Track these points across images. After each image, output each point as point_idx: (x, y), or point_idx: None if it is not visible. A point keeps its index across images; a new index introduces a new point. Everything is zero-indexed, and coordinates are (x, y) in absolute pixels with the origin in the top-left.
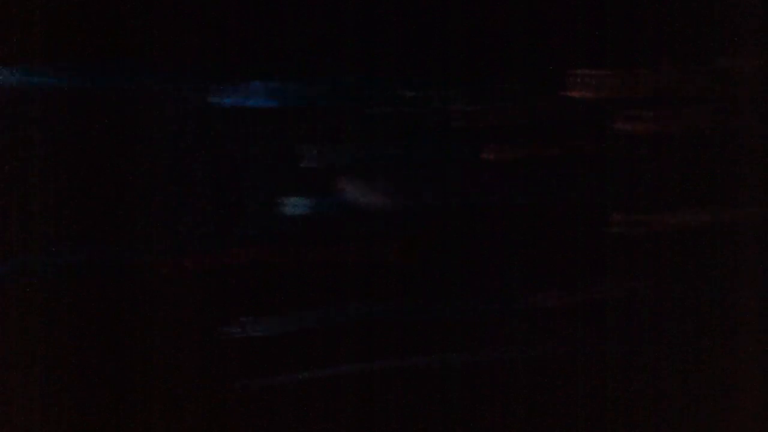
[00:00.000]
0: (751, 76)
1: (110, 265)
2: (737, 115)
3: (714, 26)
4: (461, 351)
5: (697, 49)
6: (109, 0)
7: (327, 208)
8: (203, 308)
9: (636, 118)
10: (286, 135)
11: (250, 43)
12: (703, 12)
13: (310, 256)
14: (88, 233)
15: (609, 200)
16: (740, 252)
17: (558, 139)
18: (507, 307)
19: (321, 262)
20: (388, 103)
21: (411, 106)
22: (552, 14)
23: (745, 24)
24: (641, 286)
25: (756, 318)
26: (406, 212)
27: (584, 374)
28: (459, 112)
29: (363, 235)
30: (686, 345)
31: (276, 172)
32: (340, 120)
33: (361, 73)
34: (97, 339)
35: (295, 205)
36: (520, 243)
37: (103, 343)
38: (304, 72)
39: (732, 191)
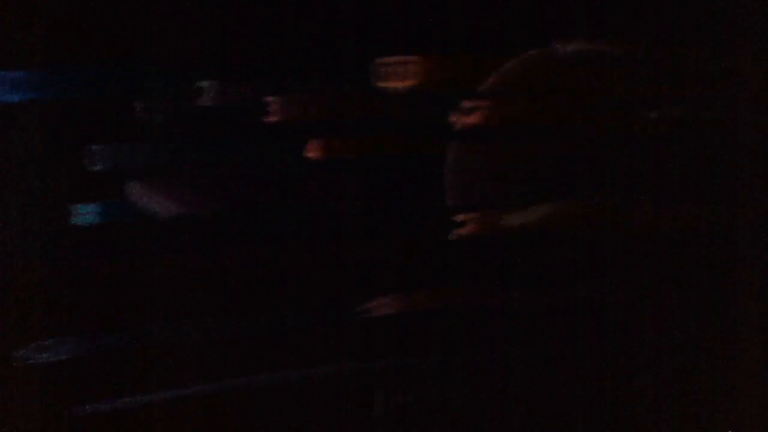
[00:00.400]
0: (588, 63)
1: None
2: (578, 106)
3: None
4: (283, 368)
5: (533, 34)
6: None
7: (117, 217)
8: None
9: (473, 109)
10: (57, 133)
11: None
12: None
13: (101, 270)
14: None
15: (449, 200)
16: (585, 250)
17: (385, 134)
18: (338, 318)
19: (115, 277)
20: (183, 96)
21: (211, 98)
22: None
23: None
24: (486, 290)
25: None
26: (214, 219)
27: (428, 381)
28: (268, 105)
29: (160, 247)
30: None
31: (53, 176)
32: (127, 115)
33: (148, 59)
34: None
35: (78, 214)
36: (354, 250)
37: None
38: (67, 57)
39: (582, 185)
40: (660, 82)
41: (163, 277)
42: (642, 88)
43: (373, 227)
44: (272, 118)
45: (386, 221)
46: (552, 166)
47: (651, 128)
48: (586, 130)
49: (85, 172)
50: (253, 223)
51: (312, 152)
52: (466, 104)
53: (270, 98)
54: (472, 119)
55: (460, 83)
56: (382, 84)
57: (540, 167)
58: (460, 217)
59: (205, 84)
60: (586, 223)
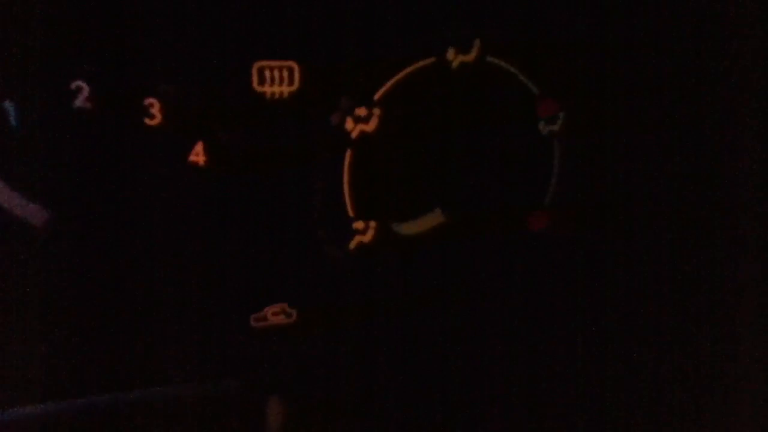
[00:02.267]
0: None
1: None
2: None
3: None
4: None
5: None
6: None
7: None
8: None
9: (368, 117)
10: None
11: None
12: None
13: None
14: None
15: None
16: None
17: (277, 143)
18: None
19: None
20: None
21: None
22: None
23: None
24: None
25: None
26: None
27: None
28: (150, 108)
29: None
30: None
31: None
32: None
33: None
34: None
35: None
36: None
37: None
38: None
39: (475, 194)
40: (547, 95)
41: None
42: (533, 100)
43: (264, 235)
44: (153, 122)
45: (279, 229)
46: (445, 175)
47: (543, 138)
48: (478, 138)
49: None
50: (137, 226)
51: (195, 157)
52: (361, 112)
53: (151, 100)
54: (367, 127)
55: (348, 90)
56: (262, 89)
57: (433, 176)
58: (359, 225)
59: (79, 84)
60: (481, 231)
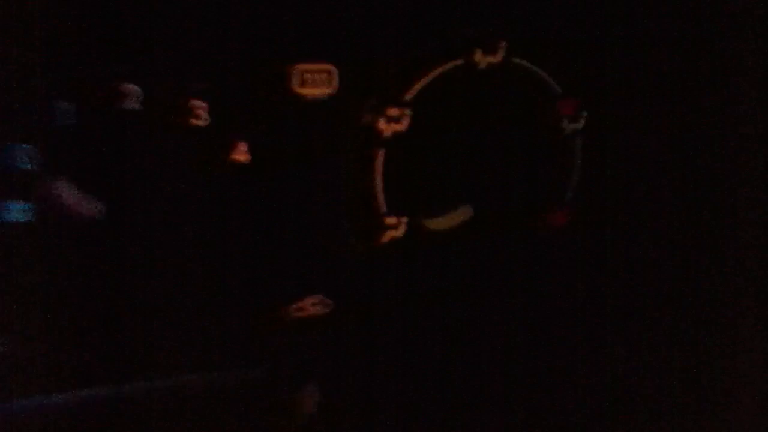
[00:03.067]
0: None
1: None
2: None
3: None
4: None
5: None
6: None
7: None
8: None
9: (400, 117)
10: None
11: None
12: None
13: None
14: None
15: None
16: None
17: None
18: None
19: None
20: (108, 98)
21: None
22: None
23: None
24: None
25: None
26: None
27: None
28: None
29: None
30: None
31: None
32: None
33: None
34: None
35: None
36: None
37: None
38: None
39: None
40: (570, 94)
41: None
42: (556, 99)
43: (302, 230)
44: (199, 122)
45: (316, 224)
46: (472, 173)
47: (566, 136)
48: (504, 136)
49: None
50: (180, 223)
51: (237, 155)
52: (392, 112)
53: (196, 102)
54: (398, 126)
55: (381, 91)
56: (302, 90)
57: (461, 173)
58: (391, 221)
59: (130, 87)
60: (505, 227)
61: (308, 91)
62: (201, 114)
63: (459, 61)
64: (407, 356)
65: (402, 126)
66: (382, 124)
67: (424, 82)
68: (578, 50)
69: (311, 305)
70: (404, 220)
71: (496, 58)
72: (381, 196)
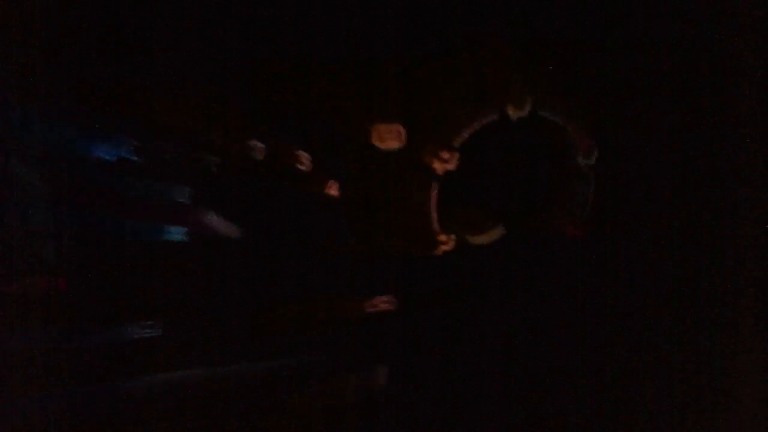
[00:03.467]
0: None
1: None
2: None
3: None
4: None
5: None
6: None
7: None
8: None
9: (450, 158)
10: None
11: None
12: None
13: None
14: None
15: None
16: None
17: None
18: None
19: None
20: (243, 153)
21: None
22: None
23: None
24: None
25: None
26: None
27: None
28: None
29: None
30: None
31: None
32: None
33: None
34: None
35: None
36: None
37: None
38: None
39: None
40: (584, 136)
41: None
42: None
43: (378, 246)
44: (304, 167)
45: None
46: (504, 201)
47: (581, 169)
48: (532, 171)
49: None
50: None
51: (331, 190)
52: (444, 155)
53: (302, 153)
54: (449, 166)
55: (436, 140)
56: (378, 143)
57: (497, 201)
58: (443, 238)
59: (257, 144)
60: (532, 242)
61: (383, 144)
62: (305, 162)
63: (495, 116)
64: (458, 345)
65: (452, 165)
66: (436, 164)
67: (468, 131)
68: (589, 103)
69: (382, 303)
70: (453, 237)
71: (524, 113)
72: (435, 219)
